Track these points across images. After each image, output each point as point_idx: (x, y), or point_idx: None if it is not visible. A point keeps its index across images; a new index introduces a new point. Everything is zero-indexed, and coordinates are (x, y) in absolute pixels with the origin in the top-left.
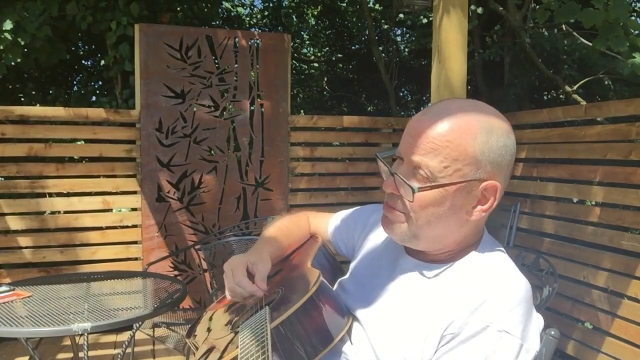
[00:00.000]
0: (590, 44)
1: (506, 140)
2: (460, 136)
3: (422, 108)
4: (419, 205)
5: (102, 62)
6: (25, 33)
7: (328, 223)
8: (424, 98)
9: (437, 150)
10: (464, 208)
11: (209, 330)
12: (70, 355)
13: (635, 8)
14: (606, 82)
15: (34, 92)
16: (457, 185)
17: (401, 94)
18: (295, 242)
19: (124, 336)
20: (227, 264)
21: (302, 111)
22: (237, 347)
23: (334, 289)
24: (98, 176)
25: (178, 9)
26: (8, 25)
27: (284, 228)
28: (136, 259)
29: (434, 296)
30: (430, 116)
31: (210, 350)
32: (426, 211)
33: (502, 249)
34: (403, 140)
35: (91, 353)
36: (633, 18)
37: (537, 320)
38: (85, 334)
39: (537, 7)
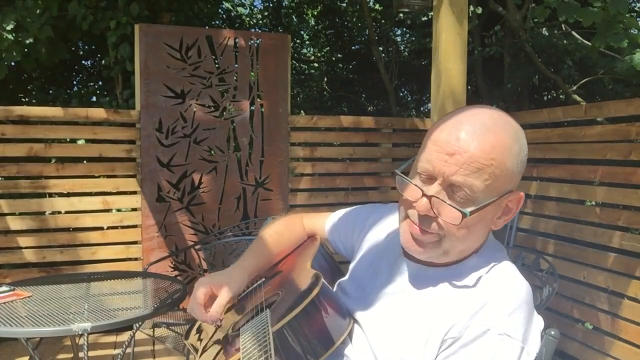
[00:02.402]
0: (590, 43)
1: (526, 146)
2: (502, 152)
3: (422, 108)
4: (459, 227)
5: (103, 62)
6: (26, 33)
7: (325, 223)
8: (424, 98)
9: (483, 169)
10: (493, 220)
11: (208, 331)
12: (70, 355)
13: (635, 8)
14: (608, 85)
15: (34, 92)
16: (496, 201)
17: (401, 94)
18: (288, 248)
19: (124, 336)
20: (197, 282)
21: (302, 111)
22: (238, 349)
23: (334, 290)
24: (98, 176)
25: (179, 8)
26: (9, 25)
27: (274, 235)
28: (136, 259)
29: (434, 300)
30: (465, 131)
31: (211, 352)
32: (464, 230)
33: (504, 250)
34: (434, 157)
35: (91, 353)
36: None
37: (538, 322)
38: (85, 334)
39: (537, 6)
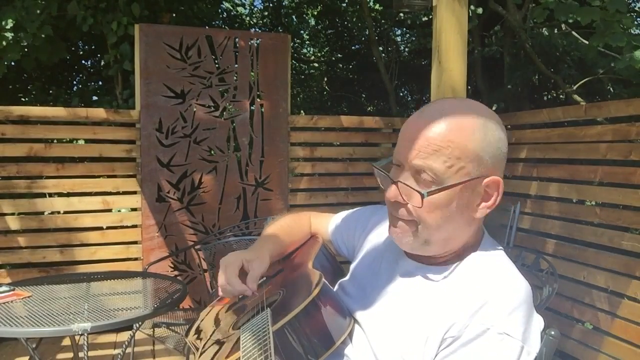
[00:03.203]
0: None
1: (500, 133)
2: (460, 134)
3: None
4: (427, 211)
5: (103, 62)
6: (25, 32)
7: (329, 223)
8: (424, 98)
9: (440, 151)
10: (470, 206)
11: (208, 330)
12: (70, 355)
13: (635, 8)
14: (607, 84)
15: (34, 92)
16: (462, 184)
17: (401, 94)
18: (297, 241)
19: (124, 336)
20: (223, 259)
21: (302, 111)
22: (239, 348)
23: (335, 290)
24: (98, 176)
25: (179, 8)
26: (9, 23)
27: (285, 227)
28: (136, 259)
29: (434, 299)
30: (426, 118)
31: (210, 351)
32: (434, 215)
33: (502, 250)
34: (400, 146)
35: (91, 353)
36: (629, 16)
37: (538, 322)
38: (85, 334)
39: (536, 6)
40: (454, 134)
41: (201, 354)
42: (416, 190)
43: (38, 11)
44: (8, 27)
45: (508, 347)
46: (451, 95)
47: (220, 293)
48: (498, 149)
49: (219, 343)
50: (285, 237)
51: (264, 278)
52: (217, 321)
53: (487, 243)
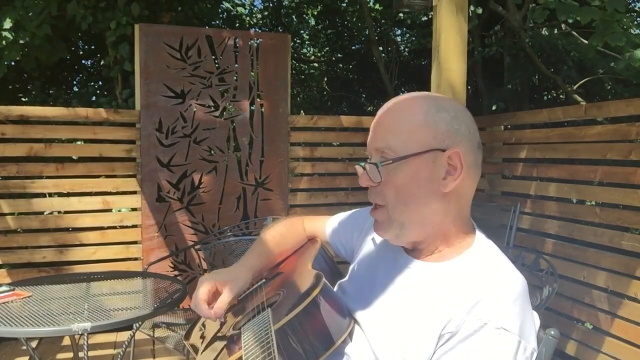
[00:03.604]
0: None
1: (457, 112)
2: (406, 110)
3: None
4: (392, 187)
5: (102, 62)
6: (24, 32)
7: (326, 226)
8: None
9: (392, 130)
10: (435, 180)
11: (209, 331)
12: (70, 355)
13: (635, 8)
14: (607, 85)
15: (34, 92)
16: (419, 155)
17: (401, 94)
18: (289, 249)
19: (124, 336)
20: (200, 279)
21: (302, 111)
22: (240, 348)
23: (335, 290)
24: (98, 176)
25: (178, 8)
26: (7, 23)
27: (277, 236)
28: (136, 259)
29: (431, 295)
30: (383, 108)
31: (211, 352)
32: (400, 192)
33: (496, 247)
34: (368, 137)
35: (91, 353)
36: (629, 16)
37: (533, 317)
38: (85, 334)
39: (536, 6)
40: (403, 113)
41: (202, 352)
42: (372, 163)
43: (37, 11)
44: (7, 27)
45: (505, 342)
46: (451, 96)
47: None
48: (455, 124)
49: (220, 343)
50: (276, 248)
51: (263, 280)
52: (217, 322)
53: (481, 240)
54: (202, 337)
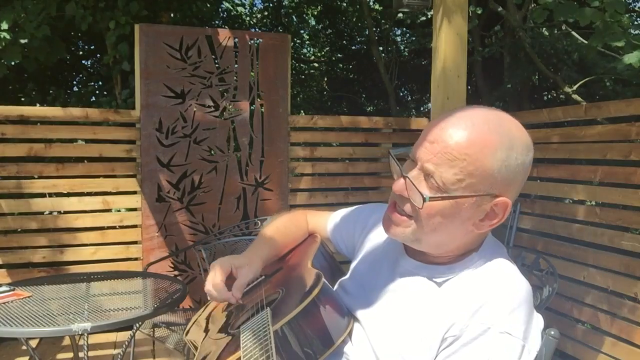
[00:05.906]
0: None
1: (524, 158)
2: (481, 150)
3: (422, 108)
4: (427, 213)
5: (102, 62)
6: (23, 32)
7: (327, 221)
8: (424, 98)
9: (454, 162)
10: (472, 220)
11: (208, 329)
12: (70, 355)
13: (635, 8)
14: (607, 84)
15: (34, 92)
16: (468, 198)
17: (401, 94)
18: (293, 242)
19: (124, 336)
20: (214, 263)
21: (302, 111)
22: (239, 348)
23: (334, 289)
24: (98, 176)
25: (179, 8)
26: (6, 24)
27: (281, 227)
28: (136, 259)
29: (434, 298)
30: (452, 124)
31: (210, 351)
32: (434, 219)
33: (504, 249)
34: (419, 143)
35: (91, 353)
36: (629, 17)
37: (538, 321)
38: (85, 334)
39: (536, 6)
40: (473, 149)
41: (201, 353)
42: (419, 192)
43: (36, 11)
44: (6, 27)
45: (509, 346)
46: (451, 96)
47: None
48: (516, 173)
49: (219, 343)
50: (281, 239)
51: (262, 277)
52: (215, 320)
53: (489, 244)
54: (199, 337)
